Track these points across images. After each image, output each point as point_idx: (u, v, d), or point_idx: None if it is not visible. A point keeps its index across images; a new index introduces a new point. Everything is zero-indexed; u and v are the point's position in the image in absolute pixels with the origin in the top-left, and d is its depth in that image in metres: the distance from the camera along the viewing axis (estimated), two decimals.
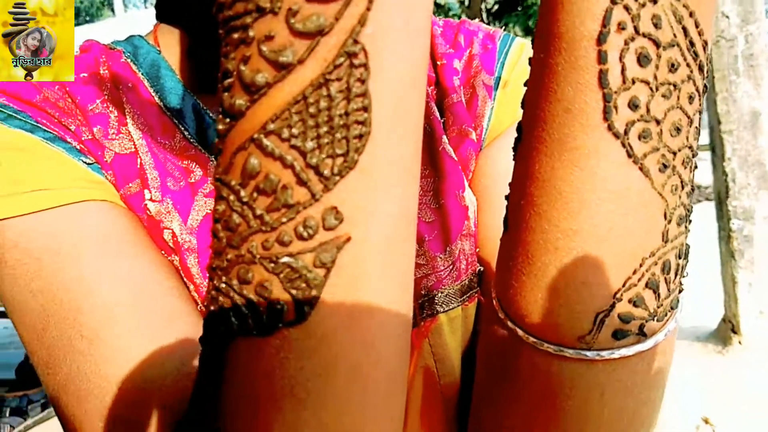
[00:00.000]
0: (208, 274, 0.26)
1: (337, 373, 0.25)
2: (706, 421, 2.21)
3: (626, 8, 0.26)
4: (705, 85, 0.29)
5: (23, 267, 0.43)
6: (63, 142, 0.47)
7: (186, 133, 0.52)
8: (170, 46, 0.56)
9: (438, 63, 0.60)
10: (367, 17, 0.21)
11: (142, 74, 0.53)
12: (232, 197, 0.24)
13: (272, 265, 0.23)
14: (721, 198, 2.79)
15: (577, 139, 0.28)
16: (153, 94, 0.52)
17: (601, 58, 0.27)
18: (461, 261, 0.55)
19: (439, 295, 0.54)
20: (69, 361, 0.41)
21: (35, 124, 0.47)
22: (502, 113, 0.59)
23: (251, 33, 0.22)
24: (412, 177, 0.26)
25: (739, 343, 2.82)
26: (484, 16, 10.88)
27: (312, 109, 0.22)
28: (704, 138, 3.22)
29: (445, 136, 0.57)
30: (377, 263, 0.25)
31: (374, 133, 0.23)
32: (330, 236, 0.23)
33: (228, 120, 0.23)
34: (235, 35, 0.22)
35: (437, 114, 0.58)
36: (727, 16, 2.55)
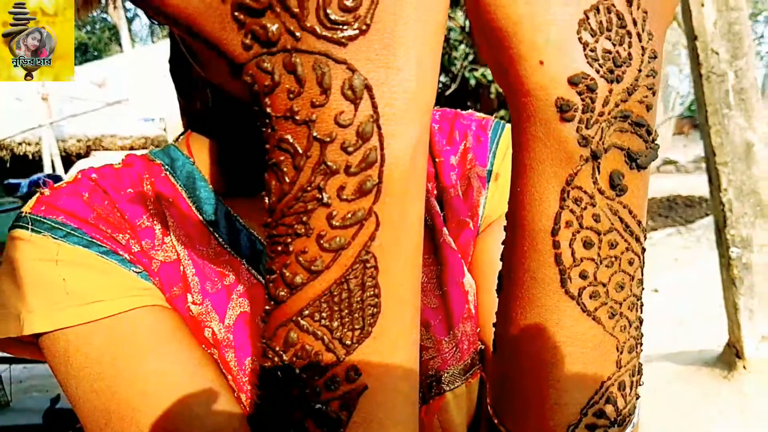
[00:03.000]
0: (256, 422, 0.34)
1: None
2: None
3: (572, 211, 0.34)
4: (643, 248, 0.37)
5: (86, 370, 0.48)
6: (115, 255, 0.52)
7: (220, 239, 0.57)
8: (202, 154, 0.60)
9: (437, 160, 0.66)
10: (375, 235, 0.29)
11: (179, 186, 0.58)
12: (276, 358, 0.31)
13: (307, 410, 0.31)
14: (719, 227, 2.84)
15: (542, 299, 0.36)
16: (190, 204, 0.58)
17: (555, 245, 0.35)
18: (464, 342, 0.61)
19: (445, 375, 0.60)
20: None
21: (90, 239, 0.51)
22: (495, 202, 0.66)
23: (290, 248, 0.29)
24: (414, 328, 0.34)
25: (744, 367, 2.85)
26: None
27: (336, 299, 0.30)
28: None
29: (445, 228, 0.64)
30: (388, 402, 0.33)
31: (383, 310, 0.31)
32: (351, 387, 0.31)
33: (273, 303, 0.31)
34: (279, 247, 0.30)
35: (438, 208, 0.64)
36: (717, 53, 2.64)
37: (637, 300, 0.37)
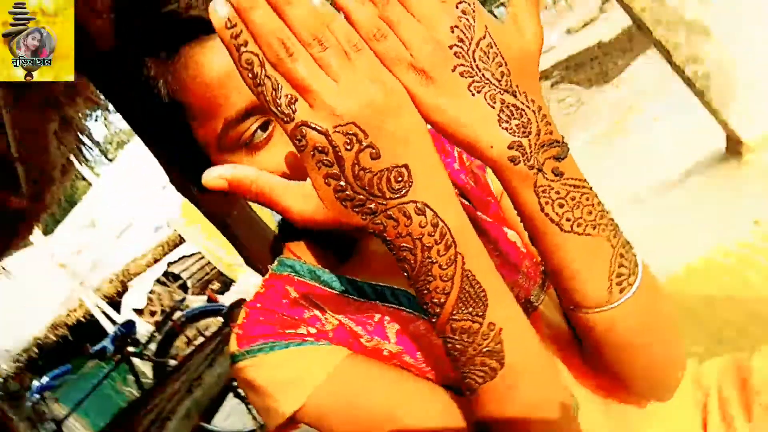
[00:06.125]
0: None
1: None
2: None
3: (542, 195, 0.53)
4: (590, 187, 0.55)
5: (334, 408, 0.66)
6: (306, 342, 0.68)
7: (353, 297, 0.73)
8: (304, 254, 0.77)
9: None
10: (466, 266, 0.49)
11: (308, 280, 0.74)
12: (450, 339, 0.52)
13: (480, 353, 0.52)
14: None
15: (549, 237, 0.55)
16: (323, 288, 0.74)
17: (545, 214, 0.53)
18: (530, 272, 0.78)
19: (532, 297, 0.76)
20: None
21: (286, 343, 0.68)
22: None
23: (429, 288, 0.49)
24: (505, 286, 0.54)
25: None
26: None
27: (464, 300, 0.49)
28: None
29: (478, 212, 0.80)
30: (516, 330, 0.54)
31: (487, 291, 0.51)
32: (493, 332, 0.51)
33: (434, 317, 0.51)
34: (424, 291, 0.49)
35: (465, 201, 0.81)
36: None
37: (601, 213, 0.55)
